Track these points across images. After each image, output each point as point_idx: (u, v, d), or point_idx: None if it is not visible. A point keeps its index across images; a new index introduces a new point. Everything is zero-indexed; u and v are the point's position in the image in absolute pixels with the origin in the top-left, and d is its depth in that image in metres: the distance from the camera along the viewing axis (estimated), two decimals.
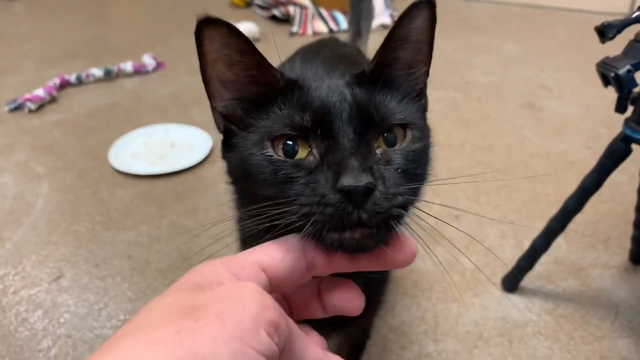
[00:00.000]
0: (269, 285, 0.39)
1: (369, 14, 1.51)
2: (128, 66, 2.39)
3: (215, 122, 0.53)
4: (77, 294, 1.27)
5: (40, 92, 2.12)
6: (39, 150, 1.86)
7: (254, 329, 0.32)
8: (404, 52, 0.51)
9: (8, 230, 1.47)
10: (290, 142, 0.46)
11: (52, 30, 3.14)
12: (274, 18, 3.20)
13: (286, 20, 3.14)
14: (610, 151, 1.05)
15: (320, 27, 3.04)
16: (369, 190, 0.40)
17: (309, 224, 0.41)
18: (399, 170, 0.45)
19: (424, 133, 0.51)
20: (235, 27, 0.45)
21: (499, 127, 1.96)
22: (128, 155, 1.78)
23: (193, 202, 1.56)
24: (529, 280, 1.26)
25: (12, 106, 2.10)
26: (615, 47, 0.95)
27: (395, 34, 0.49)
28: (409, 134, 0.49)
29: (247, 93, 0.50)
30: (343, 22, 3.07)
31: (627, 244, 1.33)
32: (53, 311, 1.23)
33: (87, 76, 2.32)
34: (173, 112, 2.10)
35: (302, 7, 3.10)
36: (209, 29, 0.45)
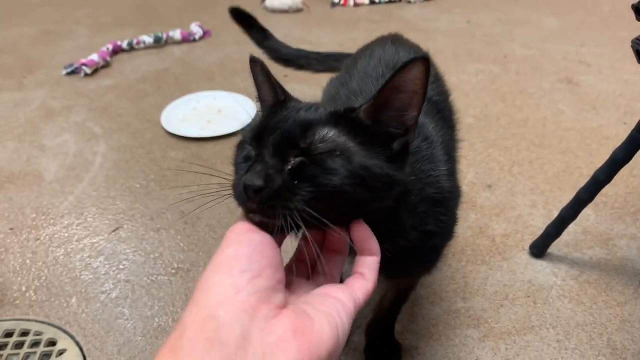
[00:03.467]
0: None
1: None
2: (176, 34, 2.49)
3: None
4: (135, 244, 1.39)
5: (94, 56, 2.24)
6: (95, 111, 1.98)
7: None
8: (397, 98, 0.59)
9: (70, 185, 1.60)
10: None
11: None
12: None
13: None
14: None
15: None
16: (259, 189, 0.53)
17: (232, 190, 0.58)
18: (303, 182, 0.55)
19: (361, 163, 0.57)
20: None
21: (535, 100, 2.00)
22: (178, 119, 1.89)
23: None
24: (556, 247, 1.32)
25: (69, 69, 2.23)
26: None
27: (390, 84, 0.57)
28: (336, 155, 0.57)
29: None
30: None
31: None
32: (113, 258, 1.35)
33: (138, 43, 2.43)
34: (219, 79, 2.20)
35: None
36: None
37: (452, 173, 0.86)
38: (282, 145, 0.56)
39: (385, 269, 0.68)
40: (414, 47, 1.17)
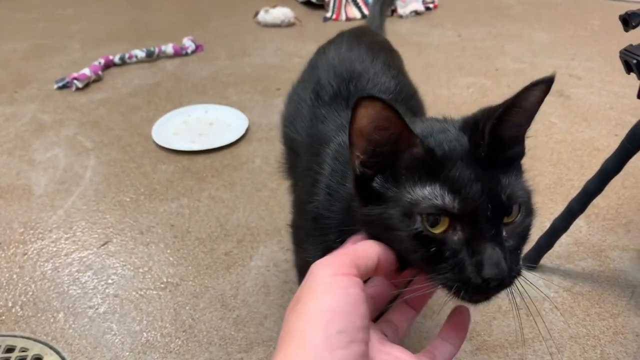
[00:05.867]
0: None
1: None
2: (169, 48, 2.49)
3: (353, 167, 0.57)
4: (124, 258, 1.37)
5: (86, 71, 2.24)
6: (86, 125, 1.97)
7: None
8: (516, 118, 0.55)
9: (59, 199, 1.59)
10: (437, 217, 0.51)
11: (96, 13, 3.27)
12: (308, 3, 3.26)
13: (321, 5, 3.20)
14: (633, 136, 1.09)
15: (354, 13, 3.10)
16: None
17: (453, 290, 0.51)
18: (517, 249, 0.54)
19: (530, 203, 0.57)
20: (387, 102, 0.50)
21: None
22: (170, 132, 1.89)
23: (230, 177, 1.65)
24: (548, 259, 1.31)
25: (61, 84, 2.22)
26: None
27: (516, 104, 0.53)
28: (523, 209, 0.55)
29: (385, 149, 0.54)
30: None
31: None
32: (102, 273, 1.33)
33: (130, 57, 2.43)
34: (212, 92, 2.20)
35: None
36: (365, 101, 0.50)
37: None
38: (496, 215, 0.52)
39: None
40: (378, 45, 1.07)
